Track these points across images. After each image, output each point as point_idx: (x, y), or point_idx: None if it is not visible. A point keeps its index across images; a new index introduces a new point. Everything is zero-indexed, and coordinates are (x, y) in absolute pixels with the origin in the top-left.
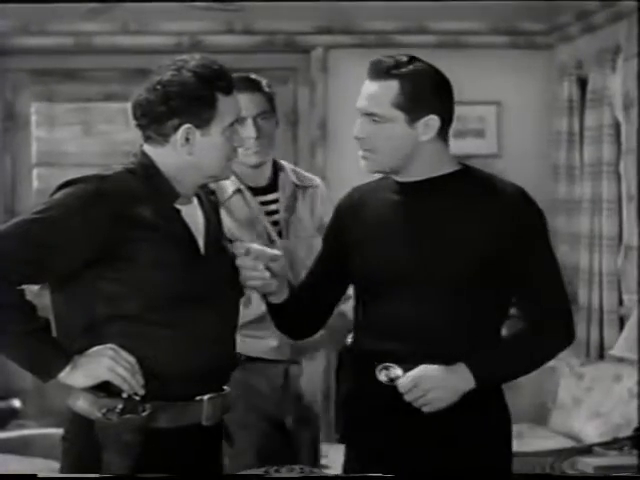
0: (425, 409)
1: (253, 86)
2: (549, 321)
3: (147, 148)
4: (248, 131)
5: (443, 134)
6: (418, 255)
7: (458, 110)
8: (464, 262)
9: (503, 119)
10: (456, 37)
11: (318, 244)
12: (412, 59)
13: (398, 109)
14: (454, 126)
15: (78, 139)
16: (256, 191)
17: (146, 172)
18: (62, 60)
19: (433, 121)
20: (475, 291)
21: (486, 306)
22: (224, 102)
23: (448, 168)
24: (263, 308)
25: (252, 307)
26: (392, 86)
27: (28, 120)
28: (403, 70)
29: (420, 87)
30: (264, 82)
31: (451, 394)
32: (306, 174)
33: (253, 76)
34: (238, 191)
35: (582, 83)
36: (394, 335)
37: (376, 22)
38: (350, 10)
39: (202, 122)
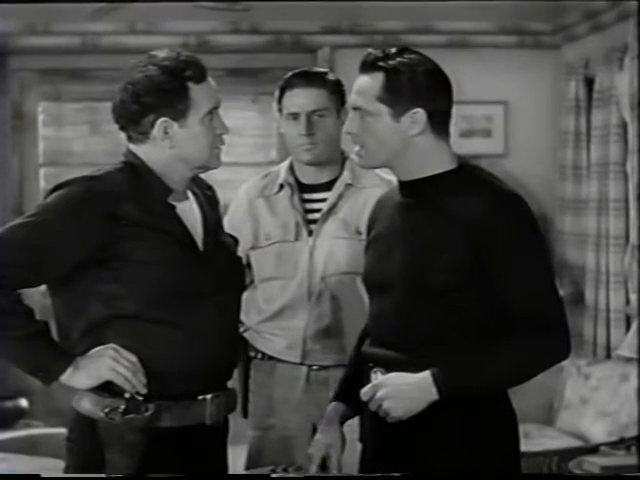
0: (387, 419)
1: (312, 81)
2: (533, 333)
3: (133, 147)
4: (299, 128)
5: (437, 129)
6: (399, 260)
7: (465, 109)
8: (441, 268)
9: (510, 119)
10: (463, 37)
11: (358, 245)
12: (402, 51)
13: (382, 103)
14: (461, 125)
15: (85, 138)
16: (308, 188)
17: (135, 170)
18: (69, 60)
19: (419, 115)
20: (455, 298)
21: (469, 314)
22: (197, 90)
23: (446, 166)
24: (276, 306)
25: (267, 304)
26: (378, 79)
27: (35, 119)
28: (390, 62)
29: (405, 80)
30: (330, 78)
31: (409, 404)
32: (370, 174)
33: (317, 70)
34: (283, 186)
35: (589, 82)
36: (382, 340)
37: (383, 22)
38: (357, 10)
39: (177, 114)
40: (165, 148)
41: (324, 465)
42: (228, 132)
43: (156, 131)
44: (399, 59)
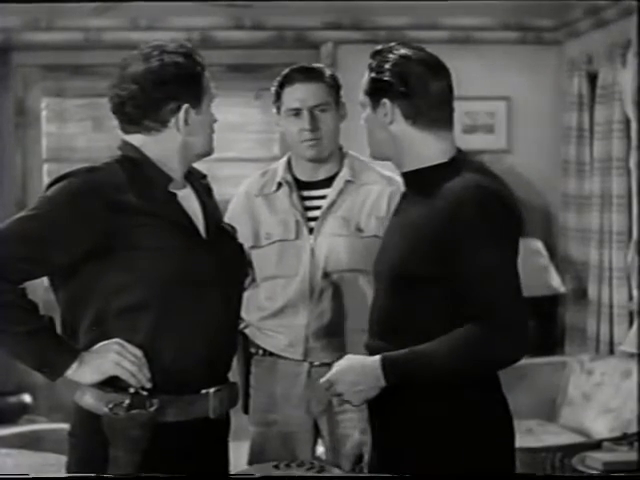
0: (341, 403)
1: (311, 76)
2: (485, 328)
3: (131, 138)
4: (303, 123)
5: (417, 121)
6: (388, 252)
7: (468, 105)
8: (418, 260)
9: (513, 115)
10: (466, 33)
11: (359, 242)
12: (397, 45)
13: (366, 95)
14: (464, 121)
15: (88, 134)
16: (307, 185)
17: (134, 160)
18: (72, 56)
19: (387, 106)
20: (432, 289)
21: (447, 305)
22: (206, 77)
23: (437, 159)
24: (278, 304)
25: (269, 302)
26: (367, 74)
27: (38, 115)
28: (376, 57)
29: (379, 73)
30: (327, 72)
31: (358, 388)
32: (370, 171)
33: (314, 66)
34: (282, 184)
35: (592, 78)
36: (374, 331)
37: (386, 17)
38: (360, 5)
39: (195, 100)
40: (183, 135)
41: (358, 462)
42: (216, 120)
43: (180, 118)
44: (388, 53)
